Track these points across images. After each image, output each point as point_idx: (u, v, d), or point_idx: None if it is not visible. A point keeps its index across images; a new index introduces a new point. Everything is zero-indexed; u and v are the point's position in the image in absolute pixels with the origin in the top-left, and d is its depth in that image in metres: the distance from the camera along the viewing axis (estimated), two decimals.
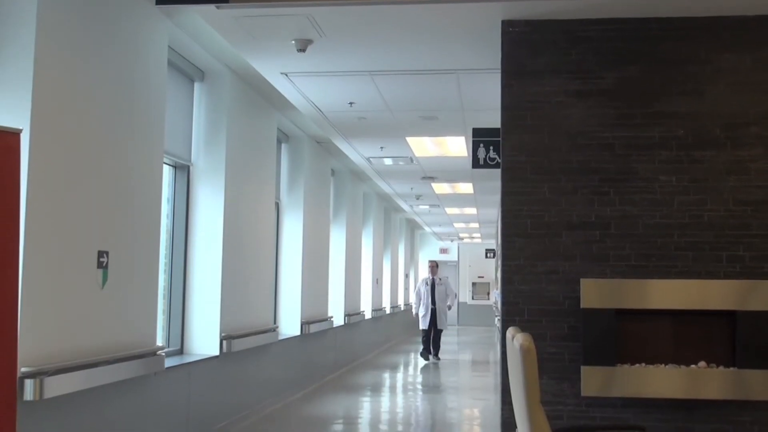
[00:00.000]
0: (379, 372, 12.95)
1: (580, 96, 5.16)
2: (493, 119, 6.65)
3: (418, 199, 15.70)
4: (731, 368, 4.83)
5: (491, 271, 25.18)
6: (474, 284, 27.11)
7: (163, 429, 5.92)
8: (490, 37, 5.53)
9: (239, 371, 7.59)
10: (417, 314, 14.86)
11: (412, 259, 25.07)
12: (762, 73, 5.05)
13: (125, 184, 5.27)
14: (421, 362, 14.35)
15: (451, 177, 12.77)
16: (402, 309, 21.20)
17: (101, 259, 4.91)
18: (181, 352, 6.88)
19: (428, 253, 27.23)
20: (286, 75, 6.87)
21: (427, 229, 24.25)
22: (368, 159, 11.16)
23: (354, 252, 13.95)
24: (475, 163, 8.12)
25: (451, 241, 27.37)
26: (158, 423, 5.82)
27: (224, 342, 7.03)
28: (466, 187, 13.86)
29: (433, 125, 8.89)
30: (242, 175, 7.60)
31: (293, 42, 5.84)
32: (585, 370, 4.89)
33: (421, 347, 15.10)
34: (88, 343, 4.79)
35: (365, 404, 9.67)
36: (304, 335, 10.06)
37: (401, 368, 13.84)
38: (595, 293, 4.94)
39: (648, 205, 5.05)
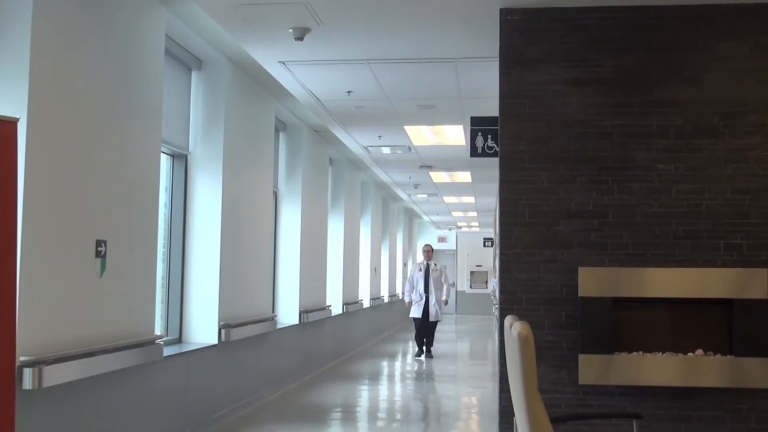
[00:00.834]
0: (377, 361, 12.98)
1: (579, 84, 5.15)
2: (491, 108, 6.63)
3: (416, 187, 15.70)
4: (728, 356, 4.85)
5: (489, 259, 25.22)
6: (472, 273, 27.14)
7: (162, 418, 5.93)
8: (489, 26, 5.51)
9: (238, 360, 7.60)
10: (409, 302, 13.37)
11: (410, 248, 25.08)
12: (760, 61, 5.04)
13: (123, 173, 5.27)
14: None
15: (450, 166, 12.76)
16: (400, 298, 21.23)
17: (99, 249, 4.91)
18: (179, 341, 6.89)
19: (426, 242, 27.16)
20: (284, 63, 6.85)
21: (425, 218, 24.26)
22: (366, 148, 11.15)
23: (352, 241, 13.96)
24: (473, 152, 8.12)
25: (449, 230, 27.39)
26: (157, 411, 5.83)
27: (223, 331, 7.04)
28: (464, 176, 13.86)
29: (431, 114, 8.88)
30: (240, 164, 7.59)
31: (291, 30, 5.83)
32: (583, 359, 4.90)
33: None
34: (86, 332, 4.80)
35: (363, 393, 9.70)
36: (303, 324, 10.07)
37: (399, 357, 13.87)
38: (593, 282, 4.94)
39: (646, 194, 5.05)
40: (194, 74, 7.14)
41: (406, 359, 13.39)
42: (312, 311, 10.42)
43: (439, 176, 13.94)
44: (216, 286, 6.97)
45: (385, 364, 12.82)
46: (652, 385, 4.90)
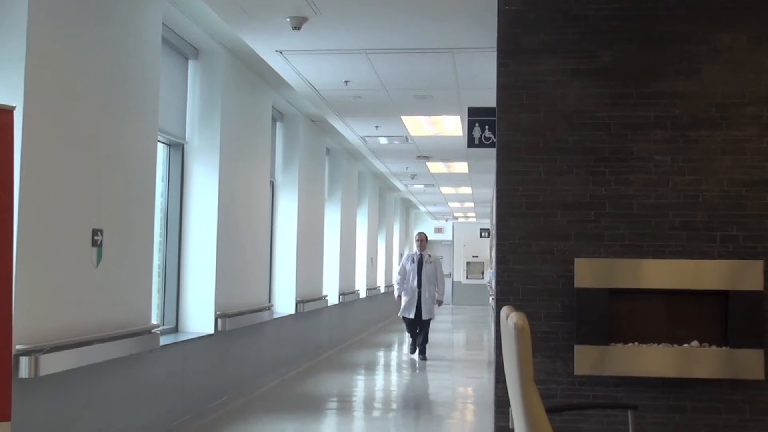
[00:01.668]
0: (373, 351, 13.01)
1: (576, 75, 5.14)
2: (488, 98, 6.62)
3: (413, 178, 15.69)
4: (723, 347, 4.86)
5: (486, 250, 25.23)
6: (468, 263, 27.17)
7: (158, 406, 5.94)
8: (486, 16, 5.50)
9: (234, 349, 7.61)
10: (399, 296, 11.79)
11: (407, 238, 25.09)
12: (758, 53, 5.03)
13: (119, 162, 5.26)
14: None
15: (447, 156, 12.75)
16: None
17: (96, 238, 4.90)
18: (176, 330, 6.90)
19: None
20: (281, 53, 6.83)
21: (422, 208, 24.27)
22: (363, 138, 11.14)
23: (349, 231, 13.96)
24: (471, 143, 8.11)
25: (446, 220, 27.40)
26: (153, 400, 5.84)
27: (219, 320, 7.05)
28: (461, 167, 13.85)
29: (428, 104, 8.86)
30: (237, 153, 7.58)
31: (288, 20, 5.81)
32: (578, 349, 4.92)
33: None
34: (83, 321, 4.80)
35: (359, 382, 9.73)
36: (299, 314, 10.08)
37: (395, 347, 13.90)
38: (589, 273, 4.95)
39: (643, 185, 5.05)
40: (191, 63, 7.12)
41: (402, 349, 13.42)
42: (308, 301, 10.43)
43: (436, 167, 13.93)
44: (212, 276, 6.97)
45: (381, 354, 12.85)
46: (647, 376, 4.92)
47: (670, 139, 5.05)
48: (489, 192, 16.79)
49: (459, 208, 23.05)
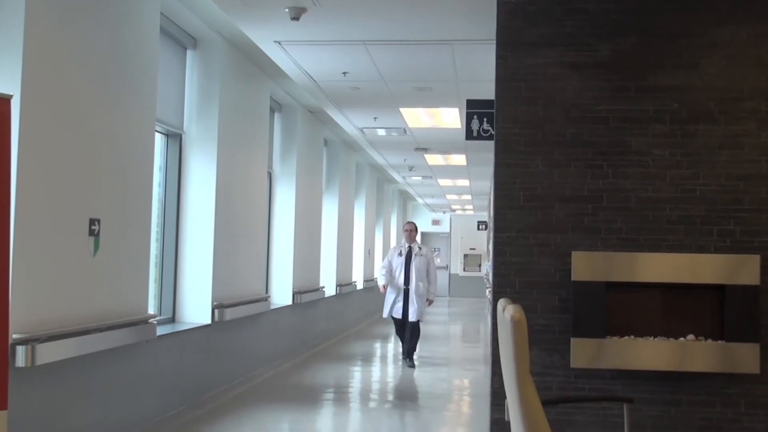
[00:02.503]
0: (370, 342, 13.02)
1: (575, 68, 5.14)
2: (487, 91, 6.61)
3: (410, 170, 15.67)
4: (719, 341, 4.87)
5: (483, 243, 25.25)
6: (466, 256, 27.19)
7: (155, 397, 5.95)
8: (486, 8, 5.48)
9: (231, 340, 7.62)
10: (384, 286, 10.16)
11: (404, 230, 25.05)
12: (757, 48, 5.03)
13: (117, 152, 5.25)
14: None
15: (445, 148, 12.74)
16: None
17: (93, 227, 4.90)
18: (172, 320, 6.90)
19: (420, 224, 27.20)
20: (280, 43, 6.81)
21: (419, 200, 24.27)
22: (361, 129, 11.12)
23: (346, 222, 13.96)
24: (469, 135, 8.09)
25: (444, 212, 27.41)
26: (150, 390, 5.84)
27: (216, 311, 7.05)
28: (459, 159, 13.84)
29: (426, 96, 8.85)
30: (235, 144, 7.56)
31: (287, 10, 5.79)
32: (575, 342, 4.93)
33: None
34: (79, 310, 4.80)
35: (356, 374, 9.74)
36: (296, 305, 10.09)
37: (392, 339, 13.91)
38: (586, 266, 4.95)
39: (641, 179, 5.05)
40: (189, 53, 7.10)
41: (398, 341, 13.43)
42: (305, 292, 10.43)
43: (434, 159, 13.92)
44: (210, 266, 6.97)
45: (377, 345, 12.87)
46: (643, 369, 4.93)
47: (669, 133, 5.05)
48: (487, 184, 16.79)
49: (456, 201, 23.05)
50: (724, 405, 4.92)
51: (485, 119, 7.88)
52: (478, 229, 26.52)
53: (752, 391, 4.91)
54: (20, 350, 4.14)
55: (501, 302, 3.12)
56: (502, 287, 5.11)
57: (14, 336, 4.07)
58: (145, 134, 5.64)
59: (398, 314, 9.87)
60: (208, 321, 6.97)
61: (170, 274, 6.89)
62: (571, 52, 5.14)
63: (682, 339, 4.91)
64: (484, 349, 12.16)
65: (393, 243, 21.85)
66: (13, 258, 3.95)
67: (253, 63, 7.97)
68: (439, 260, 27.46)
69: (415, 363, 10.00)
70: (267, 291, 9.64)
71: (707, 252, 4.96)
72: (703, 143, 5.02)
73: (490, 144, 6.03)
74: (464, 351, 13.03)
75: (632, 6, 5.11)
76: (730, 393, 4.93)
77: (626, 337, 4.93)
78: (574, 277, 4.96)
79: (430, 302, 10.06)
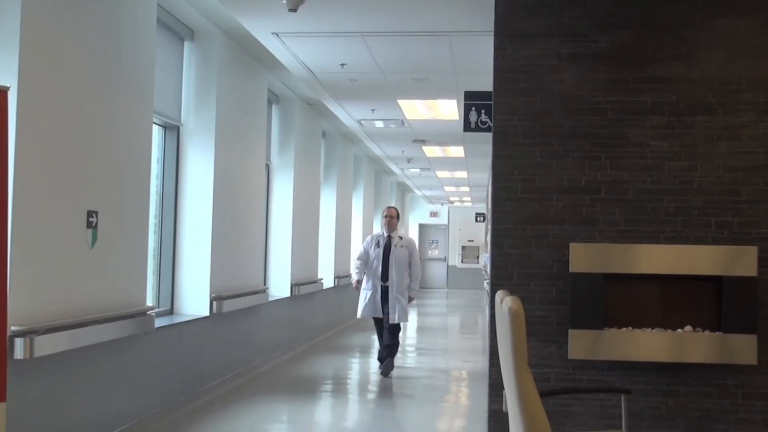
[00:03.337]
0: (368, 334, 13.02)
1: (573, 60, 5.13)
2: (485, 82, 6.60)
3: (408, 162, 15.66)
4: (717, 333, 4.88)
5: (481, 234, 25.26)
6: (464, 248, 27.20)
7: (153, 388, 5.96)
8: None
9: (229, 332, 7.63)
10: (357, 282, 8.82)
11: (402, 222, 25.08)
12: (755, 39, 5.02)
13: (114, 144, 5.24)
14: (408, 327, 13.38)
15: (443, 140, 12.73)
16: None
17: (90, 219, 4.89)
18: (171, 312, 6.90)
19: (418, 216, 27.28)
20: (277, 35, 6.79)
21: (417, 192, 24.26)
22: (359, 121, 11.11)
23: (344, 214, 13.95)
24: (467, 127, 8.09)
25: (442, 204, 27.40)
26: (148, 382, 5.85)
27: (214, 303, 7.06)
28: (457, 151, 13.83)
29: (424, 88, 8.84)
30: (232, 136, 7.55)
31: (284, 1, 5.76)
32: (572, 334, 4.93)
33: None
34: (78, 302, 4.80)
35: (354, 365, 9.76)
36: (294, 297, 10.10)
37: None
38: (584, 257, 4.96)
39: (638, 171, 5.05)
40: (186, 45, 7.08)
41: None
42: (303, 284, 10.44)
43: (432, 151, 13.91)
44: (208, 258, 6.97)
45: (376, 337, 12.85)
46: (640, 361, 4.94)
47: (667, 125, 5.05)
48: (485, 176, 16.78)
49: (454, 192, 23.04)
50: (722, 396, 4.94)
51: (483, 111, 7.88)
52: (476, 220, 26.53)
53: (749, 382, 4.93)
54: (19, 342, 4.14)
55: (499, 294, 3.12)
56: (500, 279, 5.12)
57: (13, 328, 4.07)
58: (142, 126, 5.63)
59: (378, 314, 8.64)
60: (207, 313, 6.97)
61: (168, 266, 6.90)
62: (570, 43, 5.13)
63: (679, 330, 4.92)
64: (482, 341, 12.18)
65: None
66: (11, 250, 3.95)
67: (250, 55, 7.95)
68: (437, 252, 27.49)
69: (392, 374, 8.54)
70: (265, 283, 9.64)
71: (705, 243, 4.97)
72: (701, 135, 5.02)
73: (488, 136, 6.02)
74: (462, 342, 13.04)
75: None
76: (727, 384, 4.94)
77: (624, 329, 4.94)
78: (572, 269, 4.96)
79: (410, 299, 8.77)
